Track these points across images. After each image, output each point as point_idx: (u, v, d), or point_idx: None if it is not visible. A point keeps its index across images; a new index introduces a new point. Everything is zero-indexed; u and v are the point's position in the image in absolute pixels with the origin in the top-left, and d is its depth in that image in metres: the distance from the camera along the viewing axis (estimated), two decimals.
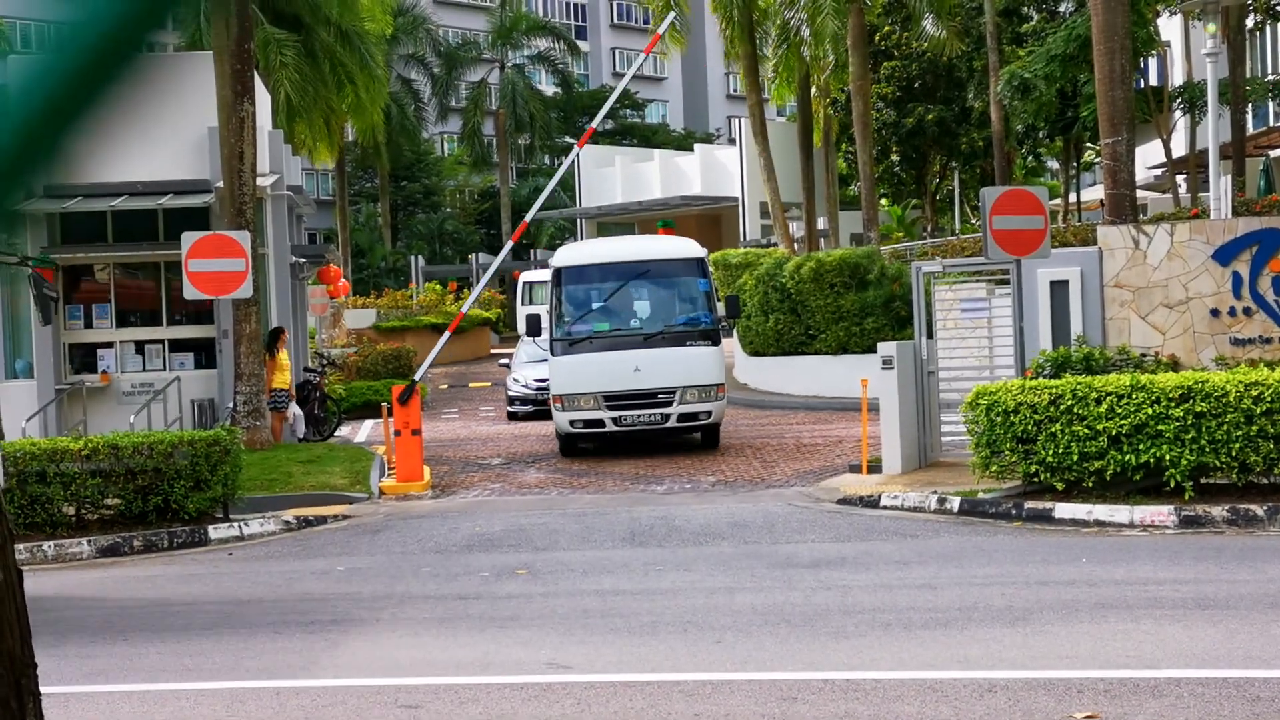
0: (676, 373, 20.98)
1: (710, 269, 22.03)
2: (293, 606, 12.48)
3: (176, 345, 24.39)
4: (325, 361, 29.33)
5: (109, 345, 24.20)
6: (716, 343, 21.50)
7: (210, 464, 16.57)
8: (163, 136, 23.59)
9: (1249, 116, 37.19)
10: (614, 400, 21.10)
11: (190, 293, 19.70)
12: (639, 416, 21.07)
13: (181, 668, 10.46)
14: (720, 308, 22.20)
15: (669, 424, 21.18)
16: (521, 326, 26.23)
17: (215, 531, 16.60)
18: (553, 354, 21.72)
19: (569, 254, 22.85)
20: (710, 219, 63.14)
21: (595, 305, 21.95)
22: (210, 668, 10.39)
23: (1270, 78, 39.24)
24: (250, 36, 23.03)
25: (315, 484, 19.41)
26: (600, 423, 21.24)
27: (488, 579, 13.29)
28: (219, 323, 23.03)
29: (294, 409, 24.38)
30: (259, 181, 22.99)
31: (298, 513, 17.76)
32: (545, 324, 22.66)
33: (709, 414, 21.28)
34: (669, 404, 21.03)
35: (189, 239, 19.58)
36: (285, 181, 24.88)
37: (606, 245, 24.47)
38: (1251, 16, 36.32)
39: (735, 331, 32.78)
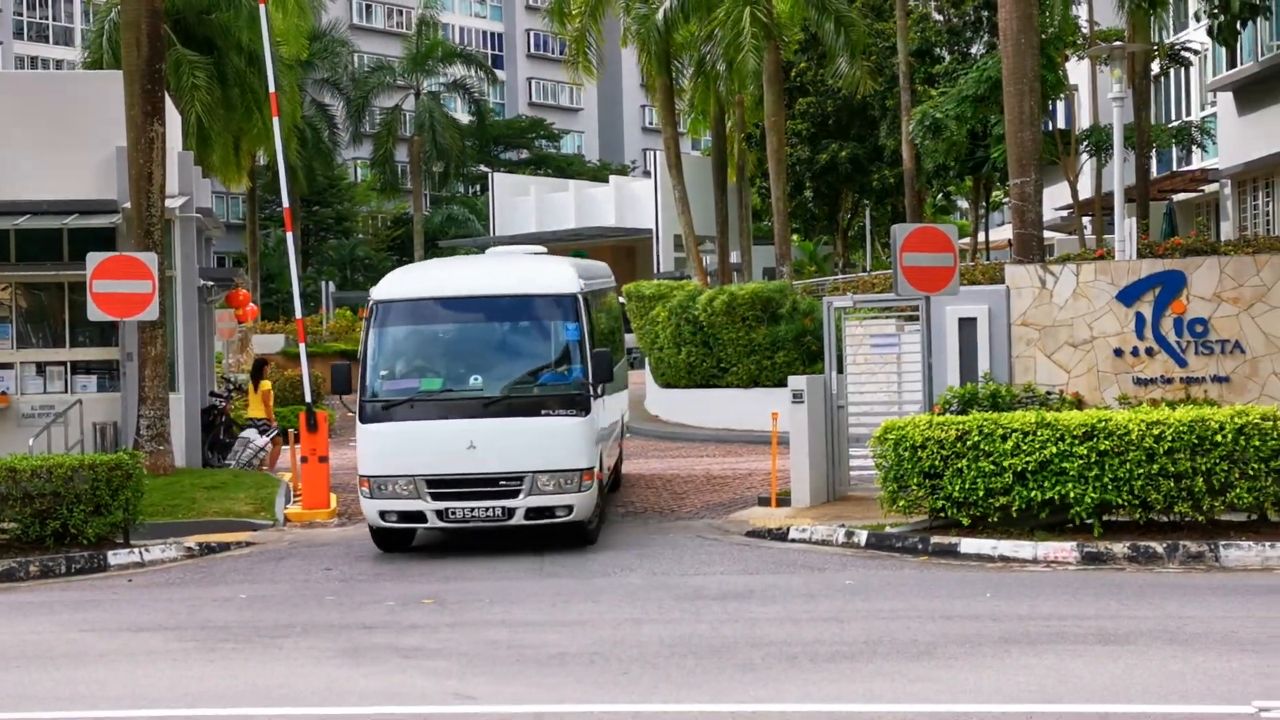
0: (525, 453, 15.64)
1: (584, 309, 16.34)
2: (193, 635, 12.27)
3: (79, 367, 23.98)
4: (232, 386, 28.97)
5: (8, 366, 23.71)
6: (585, 411, 15.87)
7: (111, 488, 16.27)
8: (69, 155, 23.24)
9: (1153, 160, 37.94)
10: (439, 487, 15.67)
11: (95, 314, 19.38)
12: (472, 510, 15.69)
13: (75, 695, 10.25)
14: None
15: (514, 521, 15.73)
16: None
17: (115, 557, 16.30)
18: (360, 420, 16.18)
19: (393, 285, 16.93)
20: (624, 250, 63.28)
21: (420, 356, 16.63)
22: (106, 696, 10.18)
23: (1174, 123, 40.07)
24: (162, 57, 22.76)
25: (219, 510, 19.13)
26: (420, 515, 15.82)
27: (394, 608, 13.15)
28: (123, 345, 22.66)
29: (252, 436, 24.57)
30: (168, 203, 22.69)
31: (201, 539, 17.48)
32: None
33: (569, 509, 15.75)
34: (514, 494, 15.63)
35: (94, 259, 19.27)
36: (195, 204, 24.57)
37: (444, 274, 18.29)
38: (1156, 63, 37.10)
39: (647, 363, 32.81)
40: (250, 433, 24.52)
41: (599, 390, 16.13)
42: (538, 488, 15.67)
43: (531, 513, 15.72)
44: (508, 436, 15.69)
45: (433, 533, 17.12)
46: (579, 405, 15.88)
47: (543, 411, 15.83)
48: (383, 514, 15.94)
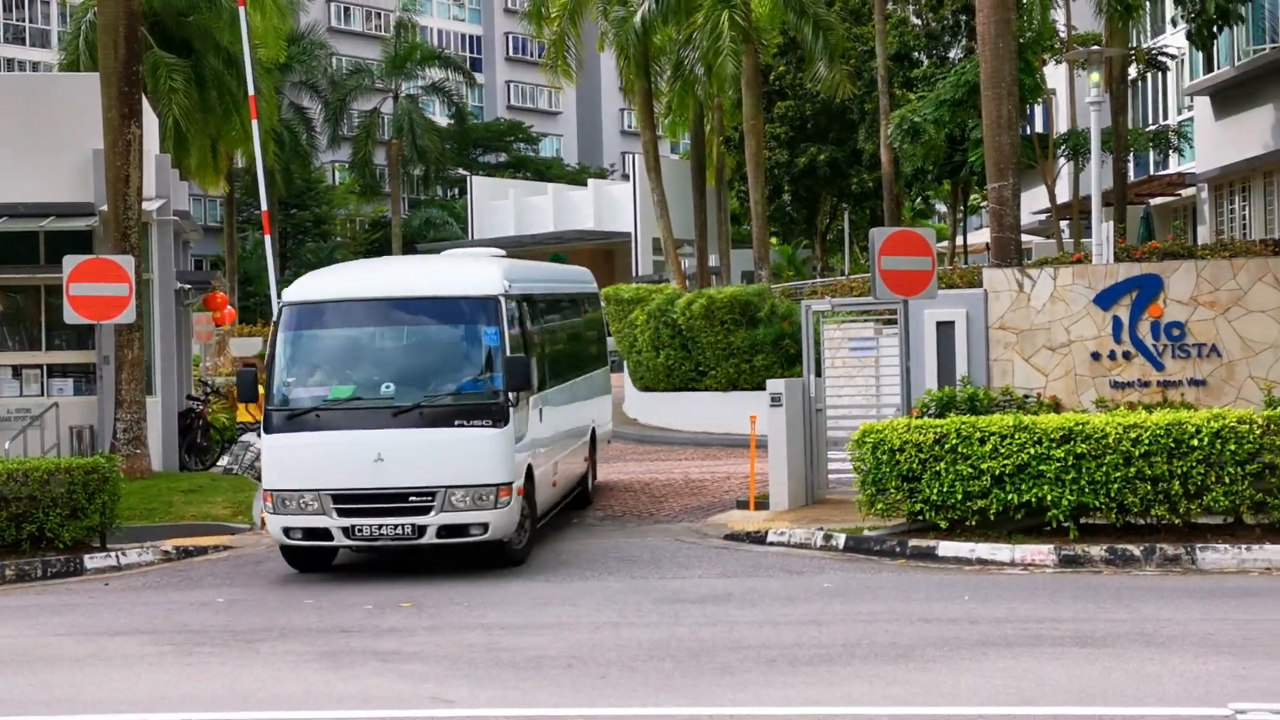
0: (437, 466, 14.58)
1: (507, 313, 15.19)
2: (170, 639, 12.23)
3: (55, 370, 23.86)
4: (209, 390, 28.86)
5: None
6: (502, 422, 14.71)
7: (88, 492, 16.20)
8: (46, 158, 23.13)
9: (1131, 164, 38.07)
10: (346, 503, 14.63)
11: (71, 317, 19.31)
12: (380, 528, 14.61)
13: (52, 699, 10.20)
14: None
15: (425, 539, 14.67)
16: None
17: (91, 561, 16.23)
18: (264, 430, 15.28)
19: (304, 286, 15.89)
20: (603, 254, 63.27)
21: (329, 362, 15.47)
22: (82, 700, 10.14)
23: (1151, 127, 40.23)
24: (139, 59, 22.67)
25: (196, 514, 19.06)
26: (326, 533, 14.77)
27: (371, 612, 13.13)
28: (100, 348, 22.57)
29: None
30: (145, 206, 22.61)
31: (177, 543, 17.42)
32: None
33: (484, 527, 14.65)
34: (425, 511, 14.56)
35: (71, 262, 19.19)
36: (172, 206, 24.48)
37: (359, 275, 17.11)
38: (1134, 67, 37.24)
39: (625, 366, 32.80)
40: (250, 436, 24.39)
41: (515, 399, 14.82)
42: (451, 504, 14.54)
43: (444, 531, 14.63)
44: (418, 449, 14.64)
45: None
46: (495, 415, 14.72)
47: (456, 422, 14.72)
48: (287, 531, 14.88)
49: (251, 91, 22.44)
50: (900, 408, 17.49)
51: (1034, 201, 40.60)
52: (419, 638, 11.91)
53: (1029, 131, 35.09)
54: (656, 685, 9.90)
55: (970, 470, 14.76)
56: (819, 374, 19.01)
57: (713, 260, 48.84)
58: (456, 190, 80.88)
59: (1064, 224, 37.92)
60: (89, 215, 22.93)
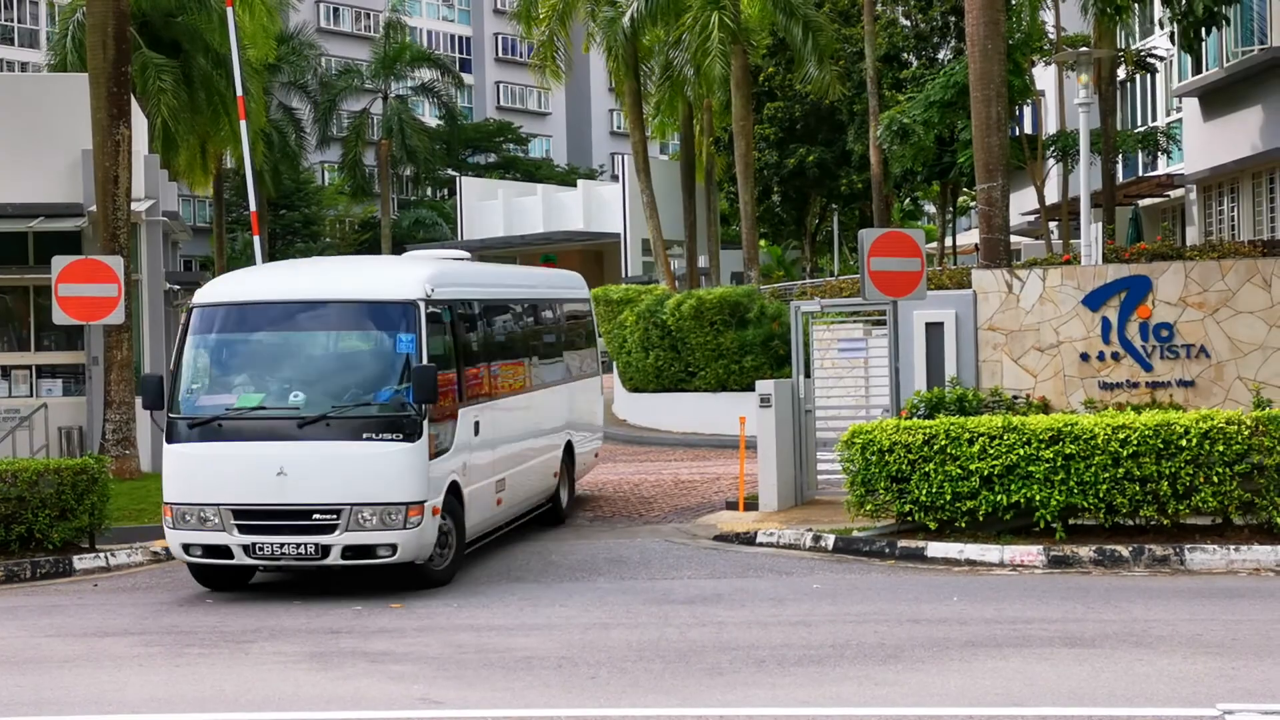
0: (343, 483, 13.63)
1: (426, 320, 14.13)
2: (159, 639, 12.22)
3: (44, 371, 23.83)
4: None
5: None
6: (413, 436, 13.69)
7: (77, 493, 16.17)
8: (34, 158, 23.12)
9: (1119, 166, 38.13)
10: (246, 519, 13.77)
11: (60, 317, 19.28)
12: (282, 547, 13.67)
13: (41, 700, 10.19)
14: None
15: (330, 560, 13.70)
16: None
17: (81, 562, 16.20)
18: (166, 439, 14.40)
19: (215, 288, 15.10)
20: (593, 254, 63.27)
21: (236, 369, 14.55)
22: (71, 701, 10.13)
23: (1140, 129, 40.30)
24: (128, 59, 22.65)
25: None
26: (226, 551, 13.89)
27: (361, 613, 13.12)
28: (89, 349, 22.55)
29: None
30: (134, 206, 22.59)
31: (167, 544, 17.37)
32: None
33: (392, 549, 13.66)
34: (330, 530, 13.60)
35: (59, 263, 19.17)
36: (161, 207, 24.48)
37: (273, 277, 16.02)
38: (1123, 69, 37.30)
39: (615, 367, 32.80)
40: None
41: (426, 411, 13.72)
42: (357, 523, 13.58)
43: (350, 552, 13.66)
44: (323, 464, 13.66)
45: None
46: (406, 429, 13.67)
47: (364, 435, 13.71)
48: (186, 548, 14.09)
49: (240, 92, 22.42)
50: (889, 409, 17.52)
51: (1023, 203, 40.65)
52: (408, 638, 11.91)
53: (1018, 133, 35.12)
54: (646, 686, 9.91)
55: (959, 471, 14.79)
56: (808, 375, 19.03)
57: (702, 261, 48.84)
58: (446, 191, 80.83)
59: (1053, 225, 37.99)
60: (78, 216, 22.92)
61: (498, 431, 16.02)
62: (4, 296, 23.97)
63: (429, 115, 77.56)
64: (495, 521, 16.37)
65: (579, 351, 20.42)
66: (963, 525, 14.97)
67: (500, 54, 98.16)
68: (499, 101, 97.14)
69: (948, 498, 14.84)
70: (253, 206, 22.28)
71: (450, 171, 76.79)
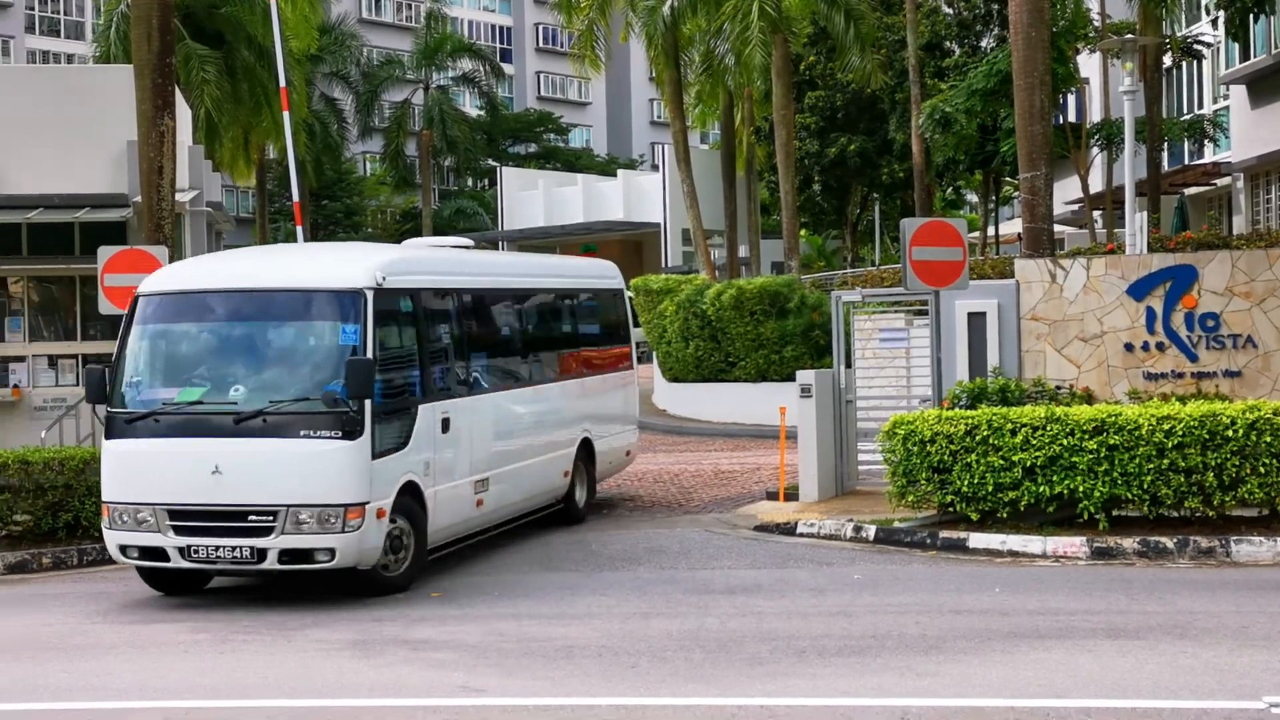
0: (278, 482, 12.86)
1: (374, 310, 13.20)
2: (204, 626, 12.31)
3: (90, 360, 24.00)
4: None
5: (20, 359, 23.78)
6: (354, 433, 12.83)
7: None
8: (80, 149, 23.28)
9: (1165, 154, 37.84)
10: (182, 520, 13.02)
11: (106, 307, 19.38)
12: (218, 550, 12.89)
13: (88, 686, 10.29)
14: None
15: (267, 564, 12.93)
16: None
17: None
18: (105, 434, 13.75)
19: (160, 276, 14.45)
20: (632, 244, 63.27)
21: (177, 362, 13.81)
22: (118, 687, 10.23)
23: (1186, 117, 39.96)
24: (172, 51, 22.74)
25: None
26: (163, 553, 13.15)
27: (403, 600, 13.17)
28: None
29: None
30: (178, 197, 22.70)
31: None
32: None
33: (331, 553, 12.82)
34: (266, 532, 12.81)
35: (105, 253, 19.29)
36: (205, 197, 24.62)
37: (220, 265, 15.26)
38: (1169, 55, 37.00)
39: (655, 357, 32.79)
40: None
41: (363, 406, 12.82)
42: (294, 525, 12.76)
43: (286, 556, 12.84)
44: (259, 462, 12.89)
45: None
46: (346, 426, 12.81)
47: (302, 433, 12.88)
48: (123, 549, 13.37)
49: (283, 83, 22.52)
50: (931, 399, 17.45)
51: (1067, 192, 40.39)
52: (450, 626, 11.95)
53: (1062, 121, 34.91)
54: (686, 675, 9.91)
55: (1001, 462, 14.71)
56: (849, 365, 18.97)
57: (742, 251, 48.77)
58: (487, 181, 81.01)
59: (1097, 214, 37.72)
60: (123, 206, 23.07)
61: (479, 428, 15.21)
62: (50, 287, 24.17)
63: (470, 105, 77.73)
64: (476, 524, 15.45)
65: (605, 343, 19.57)
66: (1005, 516, 14.89)
67: (541, 44, 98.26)
68: (539, 91, 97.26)
69: (990, 488, 14.77)
70: (295, 197, 22.37)
71: (491, 162, 76.98)
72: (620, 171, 70.24)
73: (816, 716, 8.78)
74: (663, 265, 57.73)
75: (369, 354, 13.01)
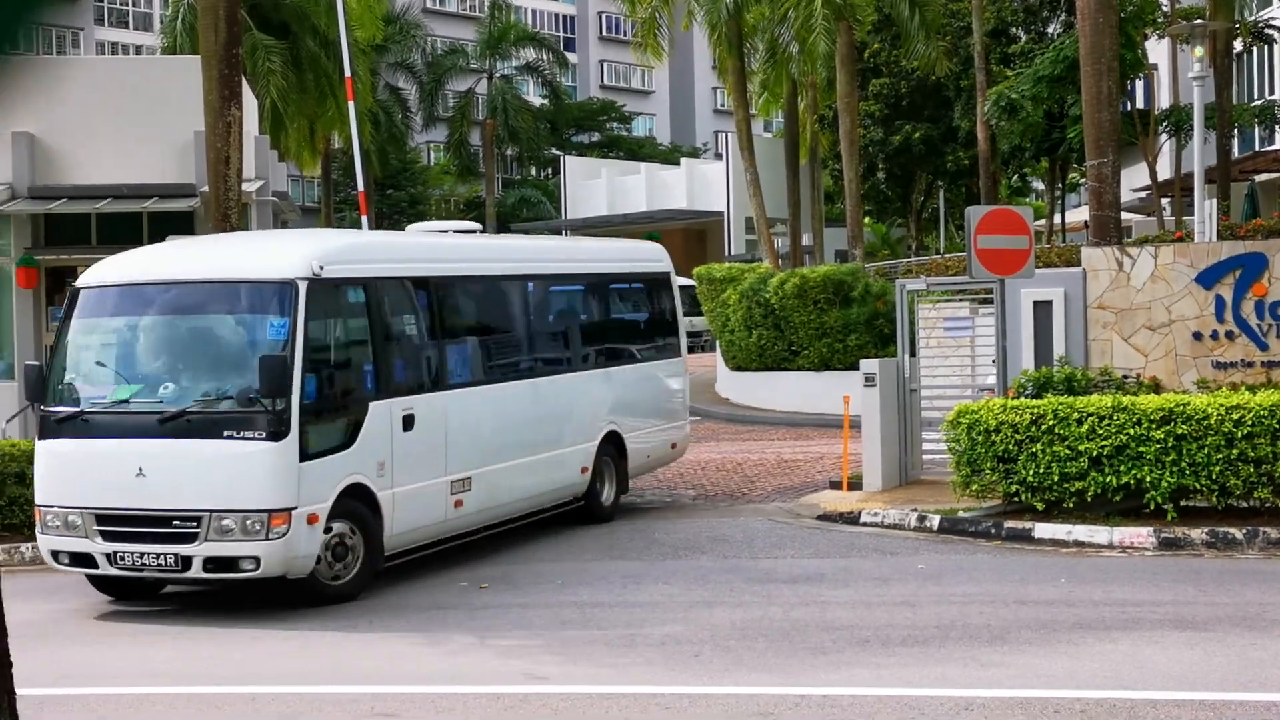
0: (202, 485, 12.16)
1: (304, 303, 12.31)
2: (269, 614, 12.42)
3: None
4: None
5: None
6: (280, 434, 12.05)
7: None
8: (149, 140, 23.54)
9: (1235, 140, 37.37)
10: (108, 524, 12.37)
11: None
12: (142, 556, 12.23)
13: (150, 673, 10.41)
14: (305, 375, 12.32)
15: (192, 572, 12.22)
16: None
17: None
18: (39, 435, 13.14)
19: (100, 268, 13.67)
20: (695, 233, 63.20)
21: (109, 358, 13.18)
22: (180, 673, 10.34)
23: (1256, 102, 39.44)
24: (239, 41, 22.94)
25: None
26: (91, 559, 12.53)
27: (465, 589, 13.24)
28: None
29: None
30: (244, 187, 22.89)
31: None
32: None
33: (255, 562, 12.07)
34: (190, 539, 12.09)
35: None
36: (270, 187, 24.82)
37: (159, 255, 14.24)
38: (1239, 41, 36.51)
39: (718, 345, 32.77)
40: None
41: (289, 405, 12.04)
42: (218, 532, 12.04)
43: (211, 564, 12.12)
44: (182, 464, 12.21)
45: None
46: (270, 426, 12.01)
47: (225, 433, 12.11)
48: (55, 555, 12.78)
49: (348, 73, 22.65)
50: (996, 388, 17.32)
51: (1134, 179, 39.97)
52: (512, 614, 11.99)
53: (1129, 108, 34.53)
54: (750, 664, 9.90)
55: (1067, 451, 14.59)
56: (913, 354, 18.86)
57: (806, 239, 48.62)
58: (550, 170, 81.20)
59: (1165, 202, 37.32)
60: (190, 196, 23.31)
61: (457, 425, 14.30)
62: None
63: (533, 95, 77.88)
64: (456, 526, 14.51)
65: (642, 331, 18.71)
66: (1070, 506, 14.77)
67: (604, 32, 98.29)
68: (603, 80, 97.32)
69: (1055, 478, 14.65)
70: (360, 186, 22.50)
71: (554, 151, 77.10)
72: (683, 160, 70.20)
73: (879, 706, 8.74)
74: (726, 254, 57.63)
75: (299, 349, 12.19)
